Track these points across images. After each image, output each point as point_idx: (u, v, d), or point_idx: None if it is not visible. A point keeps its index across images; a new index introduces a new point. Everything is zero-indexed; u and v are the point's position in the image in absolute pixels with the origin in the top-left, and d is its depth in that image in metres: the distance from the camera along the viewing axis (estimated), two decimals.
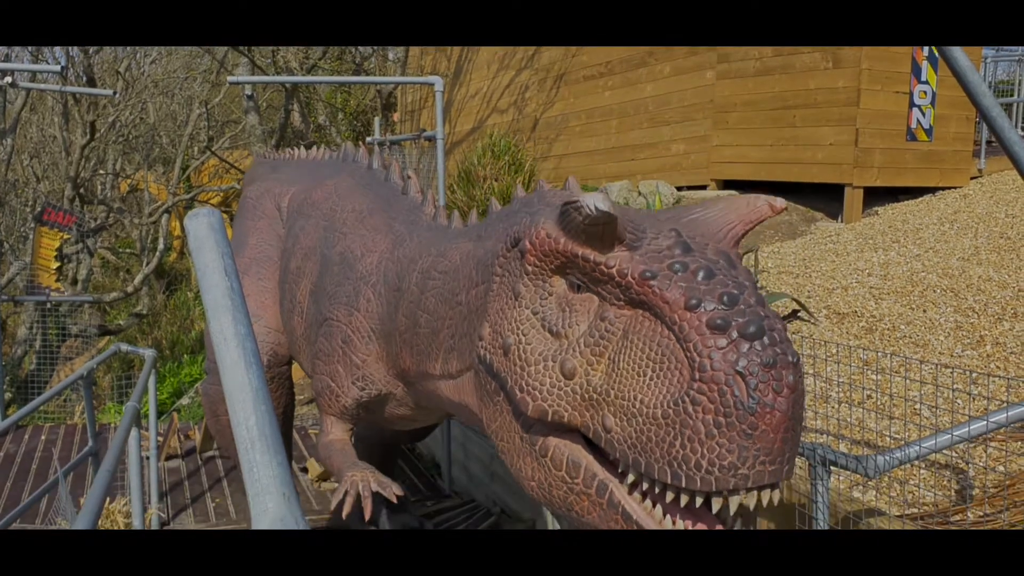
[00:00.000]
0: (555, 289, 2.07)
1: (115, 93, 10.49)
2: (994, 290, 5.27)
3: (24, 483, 6.71)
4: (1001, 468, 3.48)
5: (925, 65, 7.96)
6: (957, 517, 3.19)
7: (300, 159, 5.23)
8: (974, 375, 4.16)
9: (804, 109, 8.22)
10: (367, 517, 2.92)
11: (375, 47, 16.29)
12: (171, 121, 16.97)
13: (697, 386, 1.72)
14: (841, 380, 4.37)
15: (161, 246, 14.70)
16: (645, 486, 1.88)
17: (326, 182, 4.22)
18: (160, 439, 7.38)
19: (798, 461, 2.77)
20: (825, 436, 4.06)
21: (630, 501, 1.93)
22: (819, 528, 2.78)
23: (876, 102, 7.84)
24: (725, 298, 1.79)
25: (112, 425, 9.02)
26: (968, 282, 5.48)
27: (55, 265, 9.80)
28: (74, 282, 13.94)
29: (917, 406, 4.06)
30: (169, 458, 7.29)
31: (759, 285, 6.03)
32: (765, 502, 1.78)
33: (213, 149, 15.93)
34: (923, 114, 8.06)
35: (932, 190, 8.36)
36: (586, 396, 1.93)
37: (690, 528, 1.87)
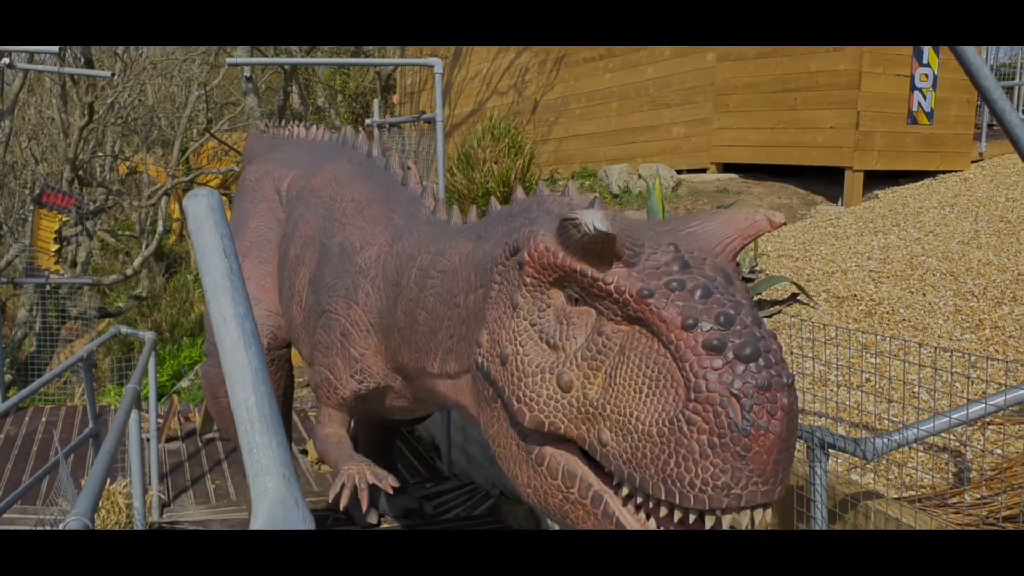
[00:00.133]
0: (553, 301, 2.08)
1: (113, 75, 10.45)
2: (994, 274, 5.26)
3: (25, 465, 6.74)
4: (999, 451, 3.50)
5: (927, 48, 7.93)
6: (954, 500, 3.20)
7: (299, 139, 5.20)
8: (973, 358, 4.17)
9: (805, 92, 8.19)
10: (364, 508, 2.96)
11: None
12: (170, 103, 16.89)
13: (692, 406, 1.75)
14: (840, 363, 4.38)
15: (160, 228, 14.67)
16: (639, 499, 1.90)
17: (325, 167, 4.20)
18: (160, 421, 7.39)
19: (797, 444, 2.78)
20: (824, 419, 4.07)
21: (624, 513, 1.96)
22: (817, 510, 2.80)
23: (877, 85, 7.81)
24: (722, 318, 1.80)
25: (112, 407, 9.04)
26: (968, 266, 5.48)
27: (54, 247, 9.79)
28: (73, 264, 13.92)
29: (916, 389, 4.07)
30: (169, 440, 7.31)
31: (759, 269, 6.02)
32: (757, 521, 1.81)
33: (212, 131, 15.86)
34: (924, 97, 8.03)
35: (933, 173, 8.34)
36: (582, 409, 1.95)
37: None
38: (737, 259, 2.07)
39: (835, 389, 4.25)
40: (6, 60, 8.60)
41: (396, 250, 3.28)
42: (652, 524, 1.91)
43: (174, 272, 18.12)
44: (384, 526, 5.22)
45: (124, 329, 5.74)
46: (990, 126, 8.89)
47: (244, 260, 4.33)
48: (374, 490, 5.08)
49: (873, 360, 4.38)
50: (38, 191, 10.47)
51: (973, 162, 8.62)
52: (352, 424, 5.00)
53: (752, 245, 6.30)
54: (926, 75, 7.99)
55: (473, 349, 2.35)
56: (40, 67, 10.27)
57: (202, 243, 1.46)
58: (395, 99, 16.26)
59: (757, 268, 6.00)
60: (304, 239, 4.03)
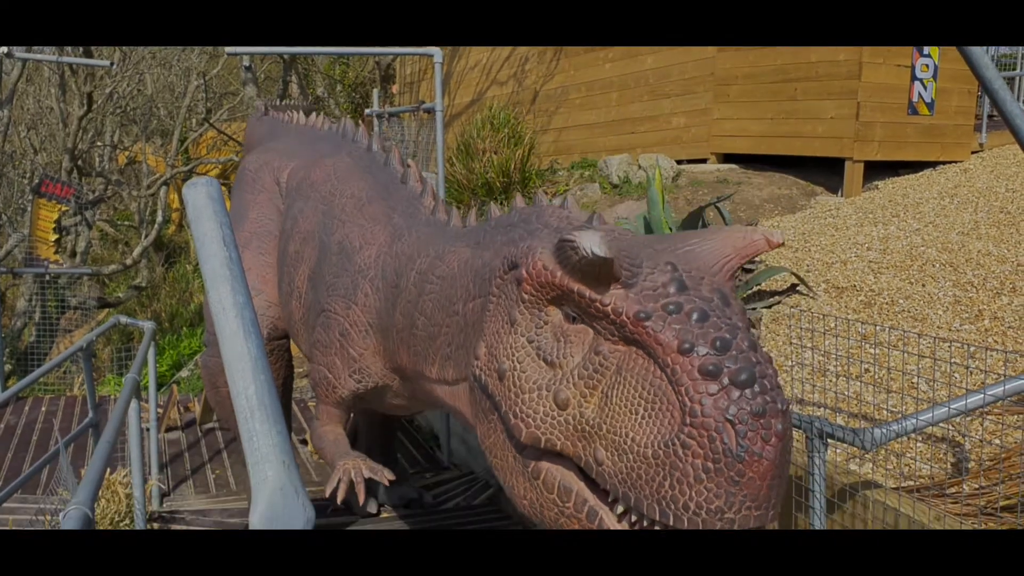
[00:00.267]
0: (550, 318, 2.09)
1: (112, 64, 10.42)
2: (993, 264, 5.26)
3: (25, 454, 6.75)
4: (997, 441, 3.50)
5: None
6: (953, 489, 3.21)
7: (299, 126, 5.18)
8: (972, 349, 4.17)
9: (805, 82, 8.17)
10: (360, 501, 2.98)
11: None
12: (169, 93, 16.85)
13: (688, 430, 1.76)
14: (839, 353, 4.38)
15: (160, 218, 14.66)
16: (634, 517, 1.91)
17: (325, 161, 4.19)
18: (160, 411, 7.40)
19: (796, 434, 2.79)
20: (823, 409, 4.07)
21: (619, 528, 1.97)
22: (815, 500, 2.80)
23: (878, 75, 7.79)
24: (718, 343, 1.81)
25: (112, 397, 9.05)
26: (967, 256, 5.48)
27: (53, 237, 9.79)
28: (73, 254, 13.92)
29: (915, 379, 4.08)
30: (169, 430, 7.32)
31: (759, 259, 6.02)
32: None
33: (211, 121, 15.82)
34: (925, 87, 8.02)
35: (933, 164, 8.33)
36: (579, 427, 1.95)
37: None
38: (735, 278, 2.08)
39: (834, 379, 4.25)
40: (4, 49, 8.58)
41: (395, 251, 3.28)
42: None
43: (173, 262, 18.13)
44: (384, 516, 5.23)
45: (123, 319, 5.74)
46: (991, 117, 8.88)
47: (244, 251, 4.33)
48: (373, 480, 5.10)
49: (872, 350, 4.39)
50: (37, 181, 10.46)
51: (973, 153, 8.60)
52: (352, 416, 5.01)
53: None
54: (927, 65, 7.97)
55: (471, 359, 2.36)
56: (39, 56, 10.23)
57: (201, 232, 1.46)
58: (395, 89, 16.23)
59: (757, 258, 6.00)
60: (303, 235, 4.02)
